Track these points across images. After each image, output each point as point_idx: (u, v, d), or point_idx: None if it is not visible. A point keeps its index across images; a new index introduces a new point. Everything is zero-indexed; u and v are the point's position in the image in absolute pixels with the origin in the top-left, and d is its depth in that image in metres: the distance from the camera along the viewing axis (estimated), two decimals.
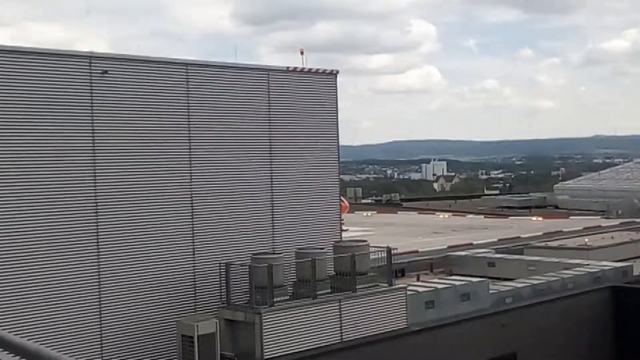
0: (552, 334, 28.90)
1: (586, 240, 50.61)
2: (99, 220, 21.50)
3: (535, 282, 31.67)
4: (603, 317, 31.12)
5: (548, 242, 50.58)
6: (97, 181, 21.50)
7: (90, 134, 21.38)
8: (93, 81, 21.39)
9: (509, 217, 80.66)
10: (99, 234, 21.47)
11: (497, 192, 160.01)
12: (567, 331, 29.53)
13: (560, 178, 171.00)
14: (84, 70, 21.27)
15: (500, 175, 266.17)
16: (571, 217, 78.46)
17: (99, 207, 21.50)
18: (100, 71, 21.48)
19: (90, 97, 21.35)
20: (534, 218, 78.33)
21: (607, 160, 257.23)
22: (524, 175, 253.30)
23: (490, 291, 29.28)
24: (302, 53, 27.71)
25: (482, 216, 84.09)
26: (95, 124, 21.45)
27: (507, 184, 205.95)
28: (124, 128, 22.07)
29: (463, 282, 29.17)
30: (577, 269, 34.70)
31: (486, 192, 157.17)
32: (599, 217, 77.61)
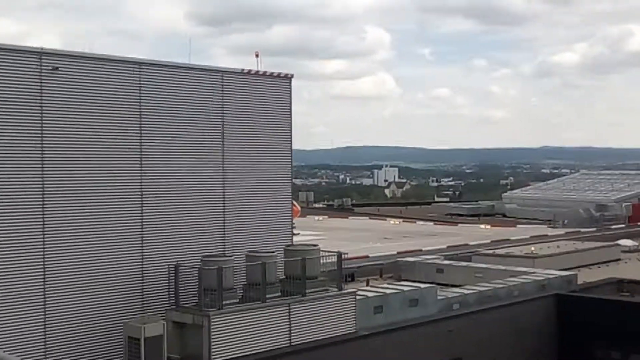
0: (497, 340, 29.34)
1: (532, 248, 51.60)
2: (46, 219, 21.08)
3: (482, 289, 32.15)
4: (547, 324, 31.72)
5: (495, 250, 51.44)
6: (44, 179, 21.09)
7: (39, 131, 20.97)
8: (43, 77, 21.00)
9: (458, 225, 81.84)
10: (45, 233, 21.06)
11: (447, 199, 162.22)
12: (512, 337, 30.02)
13: (508, 187, 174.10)
14: (34, 66, 20.87)
15: (450, 183, 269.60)
16: (518, 226, 79.89)
17: (45, 206, 21.10)
18: (50, 67, 21.10)
19: (39, 94, 20.95)
20: (482, 226, 79.57)
21: (555, 171, 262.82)
22: (474, 184, 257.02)
23: (438, 297, 29.61)
24: (257, 56, 27.68)
25: (432, 223, 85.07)
26: (44, 121, 21.04)
27: (457, 192, 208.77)
28: (73, 126, 21.69)
29: (412, 288, 29.43)
30: (523, 276, 35.33)
31: (436, 199, 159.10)
32: (546, 226, 79.18)
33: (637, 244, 58.93)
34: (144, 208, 23.23)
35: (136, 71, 23.13)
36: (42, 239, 20.96)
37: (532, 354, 30.72)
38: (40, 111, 20.96)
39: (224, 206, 25.36)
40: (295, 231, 30.73)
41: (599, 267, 48.83)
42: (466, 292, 31.53)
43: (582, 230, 70.34)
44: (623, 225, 75.71)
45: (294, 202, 37.76)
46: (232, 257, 23.53)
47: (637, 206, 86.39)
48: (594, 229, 72.27)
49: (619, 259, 52.94)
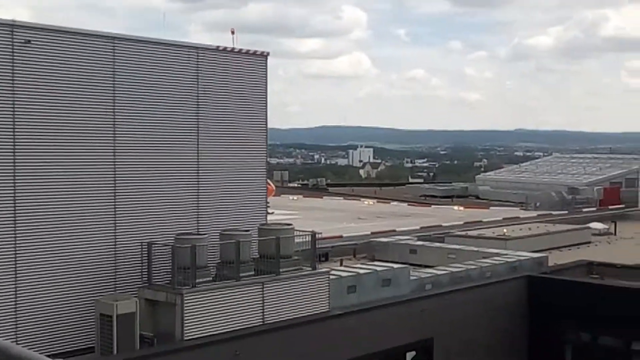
0: (469, 320, 29.59)
1: (505, 230, 51.99)
2: (17, 195, 20.82)
3: (455, 269, 32.39)
4: (518, 305, 32.04)
5: (468, 231, 51.76)
6: (15, 155, 20.80)
7: (11, 106, 20.66)
8: (15, 51, 20.65)
9: (432, 206, 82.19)
10: (16, 210, 20.81)
11: (421, 180, 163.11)
12: (483, 318, 30.30)
13: (482, 169, 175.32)
14: (5, 39, 20.51)
15: (425, 164, 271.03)
16: (491, 208, 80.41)
17: (16, 182, 20.82)
18: (23, 40, 20.74)
19: (11, 67, 20.60)
20: (455, 207, 79.98)
21: (528, 154, 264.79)
22: (448, 165, 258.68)
23: (411, 277, 29.78)
24: (232, 33, 27.42)
25: (406, 204, 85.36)
26: (16, 96, 20.72)
27: (431, 173, 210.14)
28: (46, 101, 21.40)
29: (385, 268, 29.56)
30: (495, 258, 35.62)
31: (411, 180, 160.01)
32: (518, 208, 79.83)
33: (607, 227, 59.63)
34: (117, 185, 23.02)
35: (110, 46, 22.82)
36: (13, 217, 20.71)
37: (503, 334, 31.04)
38: (12, 84, 20.63)
39: (198, 184, 25.22)
40: (269, 210, 30.70)
41: (570, 249, 49.34)
42: (439, 272, 31.74)
43: (554, 212, 70.93)
44: (594, 209, 76.45)
45: (269, 181, 37.70)
46: (206, 236, 23.43)
47: (608, 190, 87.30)
48: (566, 211, 72.94)
49: (589, 242, 53.53)
